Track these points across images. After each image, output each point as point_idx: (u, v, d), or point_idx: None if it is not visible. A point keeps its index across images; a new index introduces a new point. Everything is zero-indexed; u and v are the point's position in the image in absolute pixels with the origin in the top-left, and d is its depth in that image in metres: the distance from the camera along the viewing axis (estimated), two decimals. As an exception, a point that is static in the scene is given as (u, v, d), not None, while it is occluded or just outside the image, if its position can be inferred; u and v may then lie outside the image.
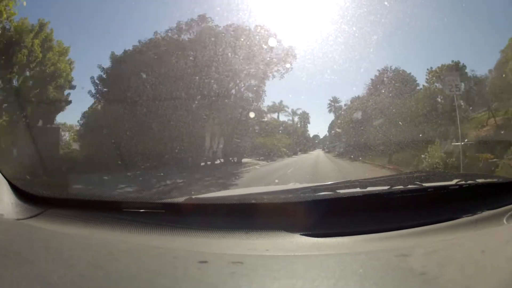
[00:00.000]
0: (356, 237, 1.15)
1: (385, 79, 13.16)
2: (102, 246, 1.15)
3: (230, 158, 14.35)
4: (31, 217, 1.45)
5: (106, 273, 0.90)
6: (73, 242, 1.21)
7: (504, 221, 1.23)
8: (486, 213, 1.30)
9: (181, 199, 1.47)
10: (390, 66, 13.29)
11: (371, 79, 13.67)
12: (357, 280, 0.82)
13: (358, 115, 14.00)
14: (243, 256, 0.99)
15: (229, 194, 1.81)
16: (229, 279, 0.84)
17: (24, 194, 1.59)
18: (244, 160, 15.28)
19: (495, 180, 1.77)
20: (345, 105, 18.05)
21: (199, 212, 1.38)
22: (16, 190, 1.60)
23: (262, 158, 16.83)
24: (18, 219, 1.44)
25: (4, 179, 1.60)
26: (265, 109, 17.93)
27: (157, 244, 1.16)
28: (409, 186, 1.50)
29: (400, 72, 13.02)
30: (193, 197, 1.49)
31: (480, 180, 1.62)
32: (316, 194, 1.52)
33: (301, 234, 1.16)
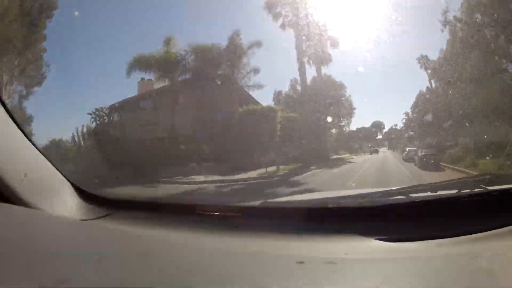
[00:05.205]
0: (428, 242, 1.17)
1: None
2: (181, 248, 1.16)
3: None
4: (97, 218, 1.47)
5: (188, 274, 0.88)
6: (144, 243, 1.22)
7: None
8: None
9: (256, 203, 1.54)
10: None
11: None
12: (434, 284, 0.86)
13: None
14: (330, 258, 1.03)
15: (303, 199, 1.85)
16: (330, 278, 0.90)
17: (88, 196, 1.61)
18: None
19: None
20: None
21: (275, 216, 1.44)
22: (80, 192, 1.62)
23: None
24: (83, 220, 1.45)
25: (67, 181, 1.61)
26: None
27: (235, 246, 1.19)
28: (475, 189, 1.48)
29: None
30: (269, 201, 1.59)
31: None
32: (390, 198, 1.55)
33: (375, 239, 1.20)
